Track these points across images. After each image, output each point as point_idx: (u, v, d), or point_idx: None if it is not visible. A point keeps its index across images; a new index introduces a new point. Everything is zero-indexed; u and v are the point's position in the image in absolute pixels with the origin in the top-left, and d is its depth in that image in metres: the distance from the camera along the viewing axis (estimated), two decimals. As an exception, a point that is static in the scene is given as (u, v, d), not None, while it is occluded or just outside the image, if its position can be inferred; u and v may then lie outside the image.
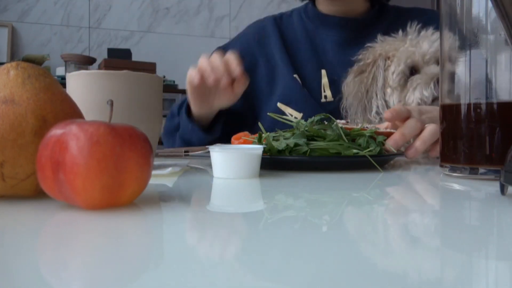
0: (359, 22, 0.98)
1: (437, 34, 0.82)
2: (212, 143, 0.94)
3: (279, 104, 0.95)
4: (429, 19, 0.98)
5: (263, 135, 0.60)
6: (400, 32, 0.87)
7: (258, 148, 0.49)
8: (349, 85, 0.88)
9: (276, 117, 0.65)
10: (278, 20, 1.06)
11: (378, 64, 0.85)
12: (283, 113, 0.94)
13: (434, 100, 0.80)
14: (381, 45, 0.87)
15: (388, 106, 0.84)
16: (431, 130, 0.64)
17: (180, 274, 0.18)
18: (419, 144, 0.64)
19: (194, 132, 0.89)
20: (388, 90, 0.84)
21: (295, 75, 0.97)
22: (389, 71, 0.84)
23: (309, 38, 1.02)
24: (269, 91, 1.01)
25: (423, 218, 0.32)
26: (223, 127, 0.92)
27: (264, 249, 0.22)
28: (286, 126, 0.65)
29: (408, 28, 0.86)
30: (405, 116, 0.65)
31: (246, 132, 0.69)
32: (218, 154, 0.48)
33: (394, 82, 0.83)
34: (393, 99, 0.83)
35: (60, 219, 0.29)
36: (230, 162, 0.47)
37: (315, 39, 1.01)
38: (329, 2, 0.98)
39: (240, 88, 0.79)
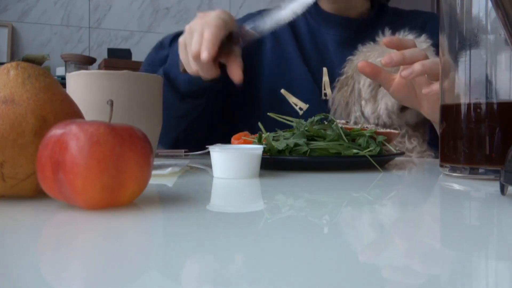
0: (359, 22, 0.99)
1: (409, 37, 0.81)
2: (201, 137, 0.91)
3: (283, 91, 0.93)
4: (428, 20, 0.99)
5: (263, 135, 0.60)
6: (381, 37, 0.87)
7: (258, 148, 0.49)
8: (334, 99, 0.89)
9: (276, 117, 0.65)
10: None
11: (354, 76, 0.86)
12: (285, 100, 0.93)
13: (402, 109, 0.81)
14: (358, 57, 0.87)
15: (364, 117, 0.85)
16: (434, 60, 0.59)
17: (180, 274, 0.18)
18: (417, 65, 0.58)
19: (181, 73, 0.76)
20: (363, 102, 0.84)
21: (306, 67, 0.97)
22: (361, 83, 0.85)
23: (312, 35, 1.02)
24: (271, 75, 0.99)
25: (423, 218, 0.32)
26: (214, 94, 0.84)
27: (264, 249, 0.22)
28: (284, 115, 0.65)
29: (379, 37, 0.86)
30: (408, 46, 0.61)
31: (246, 132, 0.69)
32: (218, 154, 0.48)
33: (366, 93, 0.84)
34: (367, 110, 0.84)
35: (60, 219, 0.29)
36: (230, 162, 0.47)
37: (317, 36, 1.01)
38: (331, 0, 0.98)
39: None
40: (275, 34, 1.01)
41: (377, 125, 0.84)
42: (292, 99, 0.87)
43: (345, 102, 0.87)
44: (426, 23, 0.99)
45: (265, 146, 0.54)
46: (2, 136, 0.31)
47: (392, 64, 0.58)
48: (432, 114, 0.73)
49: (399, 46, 0.62)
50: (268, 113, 0.81)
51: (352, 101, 0.86)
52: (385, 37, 0.62)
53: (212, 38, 0.62)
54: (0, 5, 2.48)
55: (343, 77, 0.88)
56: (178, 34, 0.80)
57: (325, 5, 1.01)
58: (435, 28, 0.97)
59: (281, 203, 0.36)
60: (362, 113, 0.85)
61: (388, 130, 0.63)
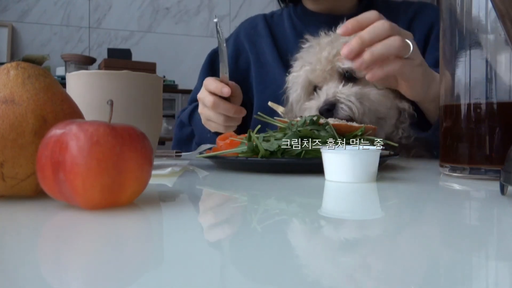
0: (346, 19, 0.98)
1: (325, 41, 0.77)
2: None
3: (270, 103, 0.94)
4: (419, 10, 0.98)
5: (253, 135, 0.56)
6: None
7: (376, 150, 0.46)
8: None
9: (265, 119, 0.63)
10: (269, 19, 1.07)
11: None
12: (275, 112, 0.94)
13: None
14: (296, 63, 0.84)
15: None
16: (387, 42, 0.55)
17: (180, 274, 0.18)
18: (366, 54, 0.55)
19: (213, 139, 0.91)
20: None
21: (287, 75, 0.98)
22: (290, 98, 0.83)
23: (298, 37, 1.02)
24: (260, 90, 1.01)
25: (423, 218, 0.32)
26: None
27: (263, 250, 0.22)
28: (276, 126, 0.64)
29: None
30: (369, 23, 0.57)
31: (232, 132, 0.68)
32: (334, 156, 0.45)
33: (296, 108, 0.82)
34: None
35: (60, 219, 0.29)
36: (349, 165, 0.44)
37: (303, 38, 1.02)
38: (314, 2, 0.99)
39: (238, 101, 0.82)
40: (256, 49, 1.02)
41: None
42: (280, 109, 0.87)
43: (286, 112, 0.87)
44: (417, 14, 0.98)
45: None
46: (2, 136, 0.31)
47: (352, 54, 0.55)
48: (411, 91, 0.68)
49: (359, 29, 0.58)
50: (269, 102, 0.82)
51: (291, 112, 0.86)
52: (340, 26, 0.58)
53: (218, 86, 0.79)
54: (0, 5, 2.48)
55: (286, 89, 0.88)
56: (192, 110, 0.96)
57: (310, 6, 1.01)
58: (425, 17, 0.97)
59: (272, 208, 0.36)
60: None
61: (370, 126, 0.61)
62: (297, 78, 0.80)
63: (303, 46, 0.84)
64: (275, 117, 0.63)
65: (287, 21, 1.04)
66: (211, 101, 0.78)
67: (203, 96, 0.81)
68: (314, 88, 0.80)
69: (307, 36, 0.84)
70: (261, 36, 1.04)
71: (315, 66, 0.76)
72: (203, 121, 0.85)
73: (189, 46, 2.79)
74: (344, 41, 0.72)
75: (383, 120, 0.75)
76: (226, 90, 0.77)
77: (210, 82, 0.80)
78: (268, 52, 1.01)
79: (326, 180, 0.46)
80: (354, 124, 0.59)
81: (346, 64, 0.72)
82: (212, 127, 0.85)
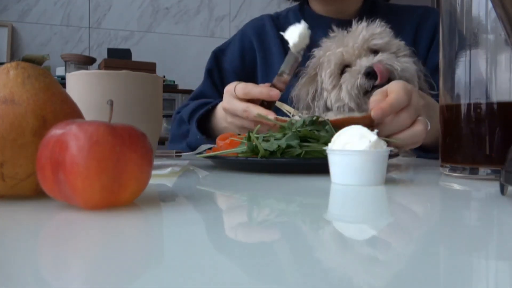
0: (350, 23, 0.99)
1: (361, 26, 0.82)
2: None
3: (277, 103, 0.94)
4: (424, 15, 1.00)
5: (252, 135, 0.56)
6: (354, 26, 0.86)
7: (384, 151, 0.43)
8: (298, 95, 0.89)
9: (262, 119, 0.63)
10: (276, 20, 1.07)
11: (316, 70, 0.86)
12: (279, 110, 0.93)
13: (366, 93, 0.77)
14: (318, 51, 0.87)
15: (326, 107, 0.84)
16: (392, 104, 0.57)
17: (179, 274, 0.18)
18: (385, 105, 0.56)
19: (202, 142, 0.89)
20: (325, 93, 0.83)
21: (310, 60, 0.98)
22: (322, 75, 0.84)
23: None
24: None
25: (423, 218, 0.32)
26: None
27: (262, 250, 0.22)
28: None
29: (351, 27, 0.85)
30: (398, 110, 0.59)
31: (232, 132, 0.67)
32: (340, 158, 0.42)
33: (327, 84, 0.82)
34: (330, 99, 0.82)
35: (60, 219, 0.29)
36: (355, 167, 0.42)
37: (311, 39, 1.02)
38: (323, 3, 0.99)
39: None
40: (264, 48, 1.02)
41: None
42: (285, 107, 0.86)
43: (310, 97, 0.87)
44: (422, 19, 0.99)
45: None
46: (2, 136, 0.31)
47: (384, 116, 0.58)
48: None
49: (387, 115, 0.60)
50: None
51: (316, 95, 0.86)
52: (372, 106, 0.59)
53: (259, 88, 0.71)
54: (0, 5, 2.48)
55: (307, 76, 0.88)
56: (195, 109, 0.93)
57: (317, 7, 1.02)
58: (430, 22, 0.99)
59: (271, 208, 0.36)
60: (325, 103, 0.84)
61: (364, 114, 0.61)
62: (331, 56, 0.83)
63: (329, 36, 0.87)
64: (275, 117, 0.63)
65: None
66: (242, 108, 0.70)
67: (231, 105, 0.72)
68: (343, 69, 0.82)
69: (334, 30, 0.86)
70: (269, 36, 1.04)
71: (353, 45, 0.80)
72: (232, 129, 0.78)
73: (189, 46, 2.80)
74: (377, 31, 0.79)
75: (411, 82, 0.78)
76: (275, 93, 0.69)
77: (251, 88, 0.71)
78: (276, 53, 1.02)
79: (332, 183, 0.44)
80: (355, 114, 0.59)
81: (379, 40, 0.78)
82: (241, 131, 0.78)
